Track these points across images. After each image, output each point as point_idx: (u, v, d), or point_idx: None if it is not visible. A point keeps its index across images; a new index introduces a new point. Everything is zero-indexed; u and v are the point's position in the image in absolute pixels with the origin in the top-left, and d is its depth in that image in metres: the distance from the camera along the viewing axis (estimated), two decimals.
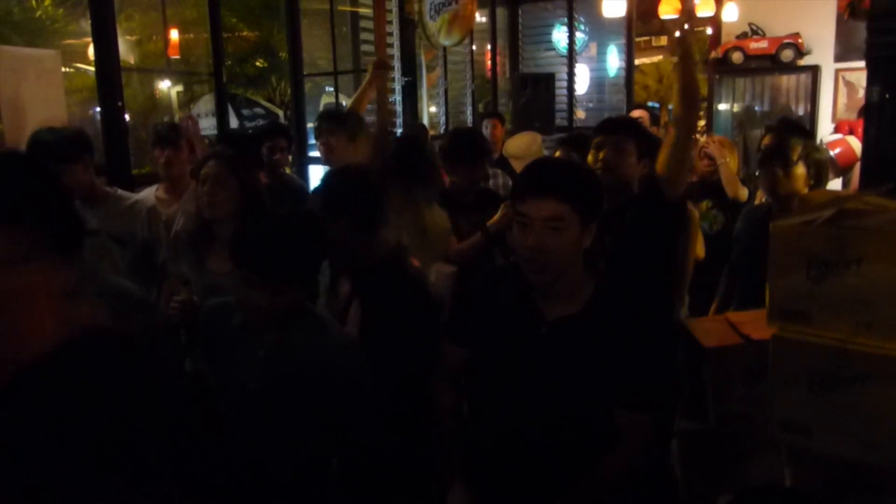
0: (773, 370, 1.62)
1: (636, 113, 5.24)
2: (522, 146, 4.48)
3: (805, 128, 3.98)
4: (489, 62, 7.06)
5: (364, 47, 5.31)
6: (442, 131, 6.17)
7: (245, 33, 8.38)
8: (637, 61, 7.52)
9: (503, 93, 7.02)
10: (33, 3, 6.16)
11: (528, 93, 5.72)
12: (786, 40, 5.95)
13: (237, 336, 1.67)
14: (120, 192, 2.71)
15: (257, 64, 8.61)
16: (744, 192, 3.70)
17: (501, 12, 6.93)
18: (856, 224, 1.47)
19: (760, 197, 3.39)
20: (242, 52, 8.18)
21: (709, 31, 6.90)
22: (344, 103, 6.18)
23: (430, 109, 6.58)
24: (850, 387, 1.47)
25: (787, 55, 5.98)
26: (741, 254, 2.77)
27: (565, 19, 6.98)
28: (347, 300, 2.05)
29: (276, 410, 1.61)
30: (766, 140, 3.77)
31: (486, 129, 4.87)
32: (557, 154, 3.14)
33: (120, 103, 3.68)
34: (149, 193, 3.17)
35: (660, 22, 6.32)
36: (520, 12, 7.13)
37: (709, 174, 3.88)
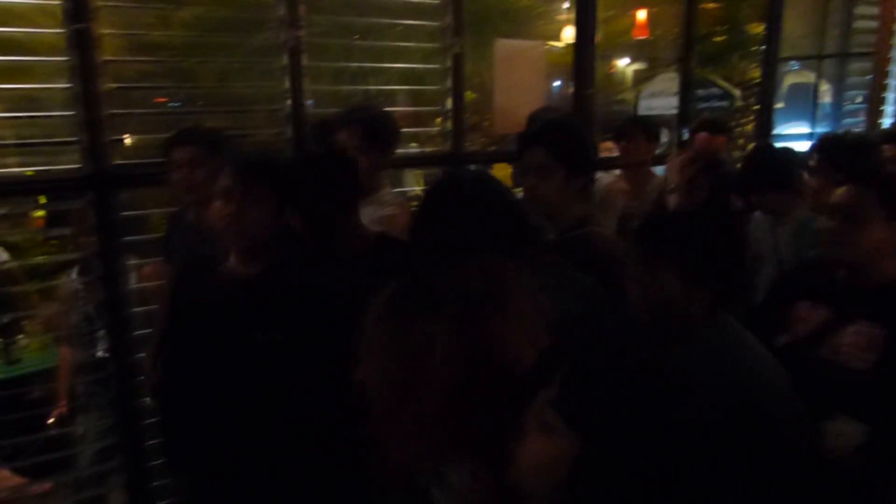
0: None
1: None
2: None
3: None
4: None
5: (858, 23, 4.58)
6: None
7: (710, 6, 7.96)
8: None
9: None
10: None
11: None
12: None
13: None
14: None
15: (716, 40, 8.15)
16: None
17: None
18: None
19: None
20: (703, 28, 7.82)
21: None
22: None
23: None
24: None
25: None
26: None
27: None
28: None
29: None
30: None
31: None
32: None
33: (591, 90, 3.84)
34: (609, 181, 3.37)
35: None
36: None
37: None
